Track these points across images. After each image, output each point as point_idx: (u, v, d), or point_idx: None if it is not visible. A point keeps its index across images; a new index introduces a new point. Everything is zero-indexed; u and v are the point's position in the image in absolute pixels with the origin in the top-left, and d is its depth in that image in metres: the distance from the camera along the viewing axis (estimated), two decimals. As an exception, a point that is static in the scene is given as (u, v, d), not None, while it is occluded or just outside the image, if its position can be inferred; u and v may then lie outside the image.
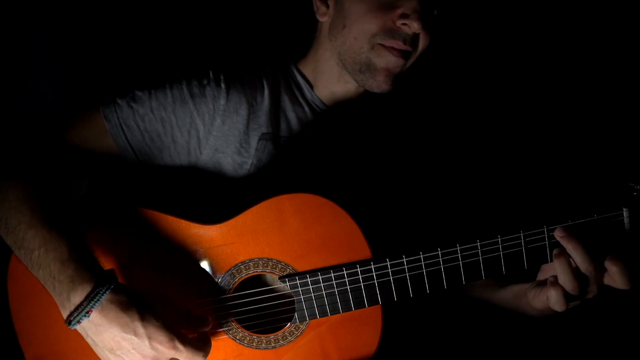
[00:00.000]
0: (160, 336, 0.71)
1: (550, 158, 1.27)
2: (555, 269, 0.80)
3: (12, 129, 0.88)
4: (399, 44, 0.86)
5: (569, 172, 1.25)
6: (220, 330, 0.85)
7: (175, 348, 0.72)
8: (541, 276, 0.88)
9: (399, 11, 0.85)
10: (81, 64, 1.22)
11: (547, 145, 1.28)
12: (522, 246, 0.82)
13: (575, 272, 0.79)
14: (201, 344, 0.76)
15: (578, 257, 0.78)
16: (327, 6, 0.93)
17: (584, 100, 1.27)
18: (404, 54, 0.87)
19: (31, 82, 1.20)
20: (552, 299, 0.80)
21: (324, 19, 0.94)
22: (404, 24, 0.85)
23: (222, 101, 0.90)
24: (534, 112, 1.28)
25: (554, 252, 0.81)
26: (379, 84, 0.90)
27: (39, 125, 0.87)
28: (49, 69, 1.20)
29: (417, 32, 0.85)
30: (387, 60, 0.88)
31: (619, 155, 1.21)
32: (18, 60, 1.18)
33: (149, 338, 0.70)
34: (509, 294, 0.93)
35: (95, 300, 0.69)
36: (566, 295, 0.80)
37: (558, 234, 0.80)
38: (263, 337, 0.86)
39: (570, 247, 0.79)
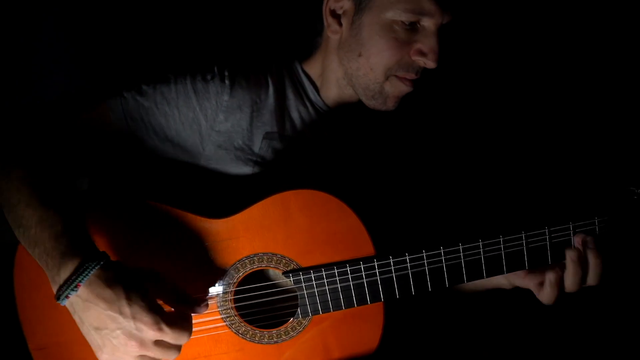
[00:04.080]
0: (145, 317, 0.70)
1: (553, 160, 1.28)
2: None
3: (19, 115, 0.88)
4: (411, 75, 0.90)
5: (572, 175, 1.26)
6: (223, 323, 0.86)
7: (160, 330, 0.71)
8: None
9: (417, 47, 0.88)
10: (89, 57, 1.22)
11: (551, 148, 1.29)
12: (523, 246, 0.83)
13: (583, 279, 0.81)
14: (186, 324, 0.75)
15: (595, 273, 0.81)
16: (340, 24, 0.92)
17: (584, 102, 1.28)
18: (414, 82, 0.91)
19: (39, 75, 1.20)
20: (545, 297, 0.83)
21: (334, 37, 0.94)
22: (419, 60, 0.88)
23: (226, 97, 0.90)
24: (537, 113, 1.29)
25: (571, 256, 0.81)
26: (387, 107, 0.94)
27: (46, 111, 0.88)
28: (57, 63, 1.21)
29: (432, 68, 0.89)
30: (400, 90, 0.92)
31: (621, 158, 1.23)
32: (26, 52, 1.18)
33: (134, 318, 0.70)
34: None
35: (84, 275, 0.70)
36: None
37: (589, 246, 0.81)
38: (265, 331, 0.86)
39: (593, 263, 0.80)
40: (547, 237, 0.83)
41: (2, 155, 0.82)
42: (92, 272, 0.70)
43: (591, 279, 0.82)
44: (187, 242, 0.84)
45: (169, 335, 0.72)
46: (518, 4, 1.26)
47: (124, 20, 1.23)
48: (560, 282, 0.82)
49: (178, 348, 0.75)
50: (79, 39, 1.22)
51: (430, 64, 0.87)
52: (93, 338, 0.73)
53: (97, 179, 0.95)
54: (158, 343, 0.73)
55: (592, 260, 0.80)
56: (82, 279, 0.70)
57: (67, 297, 0.70)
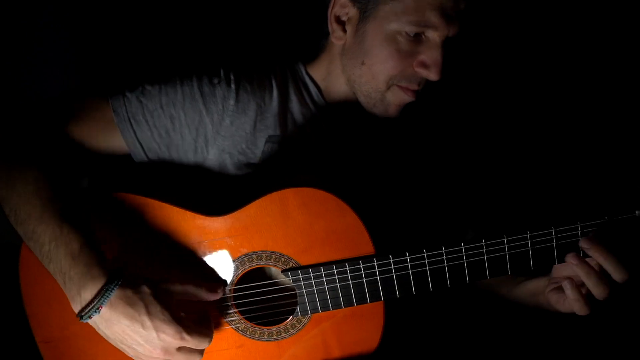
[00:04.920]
0: (168, 329, 0.73)
1: (558, 160, 1.25)
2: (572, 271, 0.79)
3: (19, 118, 0.88)
4: (414, 86, 0.89)
5: (581, 172, 1.23)
6: (223, 321, 0.86)
7: (182, 339, 0.74)
8: (556, 272, 0.86)
9: (420, 59, 0.86)
10: (93, 56, 1.23)
11: (556, 148, 1.25)
12: (528, 246, 0.81)
13: (603, 277, 0.77)
14: (206, 330, 0.78)
15: (611, 267, 0.76)
16: (344, 31, 0.91)
17: (594, 100, 1.24)
18: (416, 93, 0.90)
19: (42, 74, 1.21)
20: (574, 306, 0.80)
21: (339, 43, 0.93)
22: (422, 72, 0.87)
23: (232, 101, 0.90)
24: (545, 110, 1.26)
25: (573, 260, 0.78)
26: (388, 114, 0.93)
27: (46, 114, 0.87)
28: (61, 62, 1.22)
29: (435, 80, 0.87)
30: (401, 99, 0.91)
31: (633, 156, 1.18)
32: (29, 51, 1.20)
33: (157, 331, 0.72)
34: (525, 292, 0.92)
35: (105, 297, 0.71)
36: (590, 299, 0.79)
37: (584, 245, 0.78)
38: (265, 329, 0.87)
39: (602, 259, 0.76)
40: (554, 237, 0.80)
41: (5, 161, 0.81)
42: (112, 293, 0.72)
43: (615, 275, 0.76)
44: (186, 240, 0.84)
45: (191, 342, 0.75)
46: (522, 8, 1.23)
47: (128, 21, 1.23)
48: (578, 286, 0.79)
49: (201, 352, 0.79)
50: (83, 40, 1.22)
51: (432, 76, 0.86)
52: (119, 347, 0.76)
53: (98, 178, 0.95)
54: (181, 349, 0.76)
55: (598, 256, 0.76)
56: (104, 300, 0.71)
57: (89, 317, 0.72)
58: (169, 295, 0.76)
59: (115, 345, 0.76)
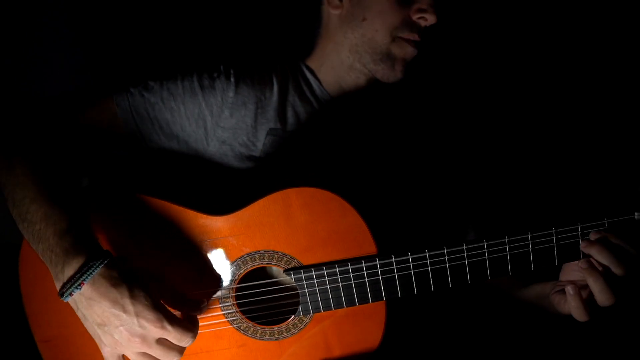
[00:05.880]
0: (149, 315, 0.71)
1: (561, 160, 1.26)
2: (578, 272, 0.81)
3: (24, 111, 0.89)
4: (414, 36, 0.92)
5: (581, 174, 1.24)
6: (225, 319, 0.86)
7: (163, 328, 0.71)
8: (563, 276, 0.87)
9: (416, 6, 0.91)
10: (97, 55, 1.24)
11: (559, 148, 1.26)
12: (529, 247, 0.82)
13: (607, 283, 0.77)
14: (190, 326, 0.76)
15: (610, 263, 0.76)
16: (340, 0, 0.95)
17: (595, 102, 1.26)
18: (417, 44, 0.93)
19: (46, 72, 1.22)
20: (574, 312, 0.81)
21: (336, 12, 0.96)
22: (420, 18, 0.91)
23: (231, 94, 0.92)
24: (546, 112, 1.27)
25: (582, 265, 0.79)
26: (395, 73, 0.95)
27: (53, 106, 0.88)
28: (66, 60, 1.23)
29: (433, 23, 0.91)
30: (406, 51, 0.93)
31: (633, 158, 1.20)
32: (32, 48, 1.20)
33: (137, 316, 0.70)
34: (531, 295, 0.93)
35: (88, 273, 0.70)
36: (590, 305, 0.80)
37: (583, 246, 0.79)
38: (267, 328, 0.87)
39: (601, 256, 0.77)
40: (554, 237, 0.81)
41: (7, 149, 0.82)
42: (96, 271, 0.71)
43: (615, 269, 0.76)
44: (188, 239, 0.84)
45: (172, 334, 0.73)
46: (523, 7, 1.25)
47: (132, 21, 1.24)
48: (580, 292, 0.79)
49: (180, 350, 0.76)
50: (88, 37, 1.23)
51: (431, 17, 0.91)
52: (96, 333, 0.74)
53: (99, 175, 0.95)
54: (160, 342, 0.73)
55: (597, 253, 0.77)
56: (86, 277, 0.70)
57: (70, 294, 0.71)
58: (155, 286, 0.75)
59: (92, 332, 0.74)
